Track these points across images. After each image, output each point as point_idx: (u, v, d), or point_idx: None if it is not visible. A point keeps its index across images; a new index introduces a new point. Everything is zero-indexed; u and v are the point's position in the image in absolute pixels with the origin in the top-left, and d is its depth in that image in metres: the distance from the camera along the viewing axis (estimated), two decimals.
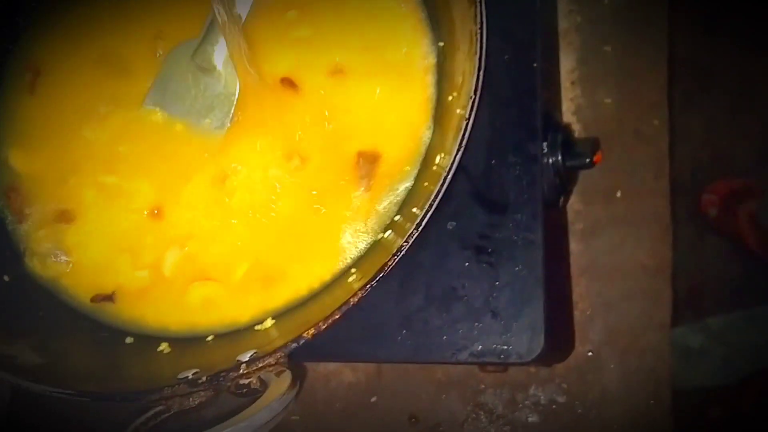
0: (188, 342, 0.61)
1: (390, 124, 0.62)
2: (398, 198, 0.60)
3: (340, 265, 0.59)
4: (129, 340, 0.62)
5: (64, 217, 0.64)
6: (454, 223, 0.66)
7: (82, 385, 0.53)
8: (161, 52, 0.67)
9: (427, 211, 0.49)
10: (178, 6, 0.67)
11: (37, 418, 0.80)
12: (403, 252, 0.48)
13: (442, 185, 0.49)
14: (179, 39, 0.66)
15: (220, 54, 0.64)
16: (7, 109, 0.69)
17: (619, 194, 0.80)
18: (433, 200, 0.49)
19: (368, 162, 0.61)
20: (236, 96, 0.63)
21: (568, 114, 0.82)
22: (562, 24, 0.84)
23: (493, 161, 0.67)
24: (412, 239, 0.48)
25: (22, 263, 0.65)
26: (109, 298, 0.63)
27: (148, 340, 0.62)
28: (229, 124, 0.64)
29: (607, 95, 0.82)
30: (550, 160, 0.68)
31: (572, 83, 0.83)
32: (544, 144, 0.68)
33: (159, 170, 0.64)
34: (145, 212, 0.63)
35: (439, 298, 0.65)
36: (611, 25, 0.84)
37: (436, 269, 0.65)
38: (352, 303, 0.47)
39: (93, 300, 0.63)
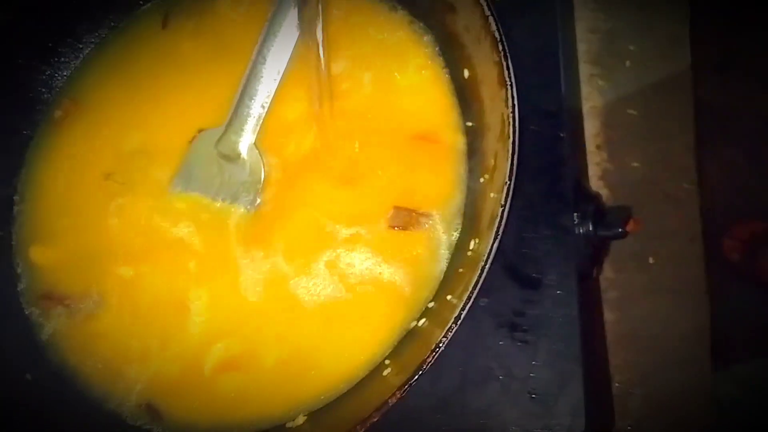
0: None
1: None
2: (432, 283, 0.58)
3: (377, 356, 0.57)
4: None
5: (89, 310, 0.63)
6: (487, 300, 0.64)
7: None
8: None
9: (466, 303, 0.47)
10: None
11: None
12: (442, 347, 0.46)
13: (481, 274, 0.47)
14: None
15: (244, 142, 0.64)
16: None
17: (651, 260, 0.78)
18: (472, 291, 0.47)
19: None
20: (262, 182, 0.63)
21: (594, 179, 0.81)
22: (585, 89, 0.83)
23: (524, 234, 0.65)
24: (452, 333, 0.46)
25: (46, 361, 0.64)
26: (153, 411, 0.61)
27: None
28: (256, 207, 0.63)
29: (634, 159, 0.81)
30: (582, 231, 0.67)
31: (597, 147, 0.82)
32: (575, 215, 0.66)
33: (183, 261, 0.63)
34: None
35: (475, 379, 0.63)
36: (635, 87, 0.83)
37: (470, 348, 0.63)
38: (390, 404, 0.45)
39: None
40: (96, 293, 0.63)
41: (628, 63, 0.83)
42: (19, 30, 0.67)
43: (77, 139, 0.69)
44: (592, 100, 0.83)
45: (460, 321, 0.47)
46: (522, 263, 0.65)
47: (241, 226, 0.62)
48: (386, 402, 0.45)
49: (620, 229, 0.68)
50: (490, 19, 0.52)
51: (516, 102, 0.50)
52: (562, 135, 0.67)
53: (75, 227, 0.66)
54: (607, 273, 0.78)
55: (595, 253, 0.70)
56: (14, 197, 0.69)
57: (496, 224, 0.48)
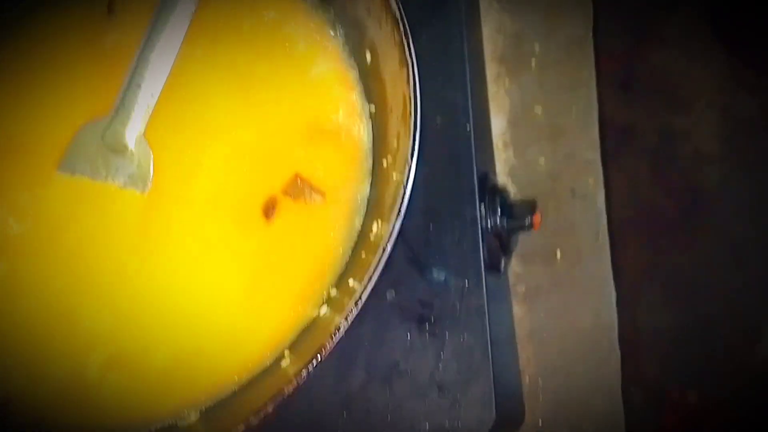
0: None
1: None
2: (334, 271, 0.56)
3: (275, 349, 0.54)
4: None
5: None
6: (393, 292, 0.63)
7: None
8: None
9: (367, 285, 0.45)
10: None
11: None
12: (341, 332, 0.44)
13: (382, 255, 0.45)
14: None
15: (132, 133, 0.60)
16: None
17: (559, 255, 0.78)
18: (373, 272, 0.45)
19: None
20: (151, 175, 0.59)
21: (502, 175, 0.81)
22: (491, 88, 0.84)
23: (431, 225, 0.64)
24: (352, 317, 0.44)
25: None
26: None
27: None
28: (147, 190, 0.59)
29: (540, 155, 0.81)
30: (489, 223, 0.66)
31: (504, 144, 0.82)
32: (481, 206, 0.66)
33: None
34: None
35: (381, 374, 0.61)
36: (539, 87, 0.84)
37: (376, 342, 0.62)
38: (286, 393, 0.42)
39: None
40: None
41: (533, 62, 0.84)
42: None
43: None
44: (498, 98, 0.84)
45: (360, 303, 0.45)
46: (428, 255, 0.64)
47: (132, 213, 0.59)
48: (281, 391, 0.43)
49: (526, 221, 0.68)
50: (392, 0, 0.51)
51: (417, 80, 0.49)
52: (468, 127, 0.67)
53: None
54: (516, 268, 0.78)
55: (503, 245, 0.70)
56: None
57: (398, 203, 0.46)
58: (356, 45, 0.59)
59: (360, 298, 0.45)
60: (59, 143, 0.61)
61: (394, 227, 0.46)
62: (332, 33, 0.61)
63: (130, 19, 0.63)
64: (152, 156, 0.59)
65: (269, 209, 0.57)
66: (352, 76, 0.60)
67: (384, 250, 0.46)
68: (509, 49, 0.86)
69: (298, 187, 0.58)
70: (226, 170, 0.59)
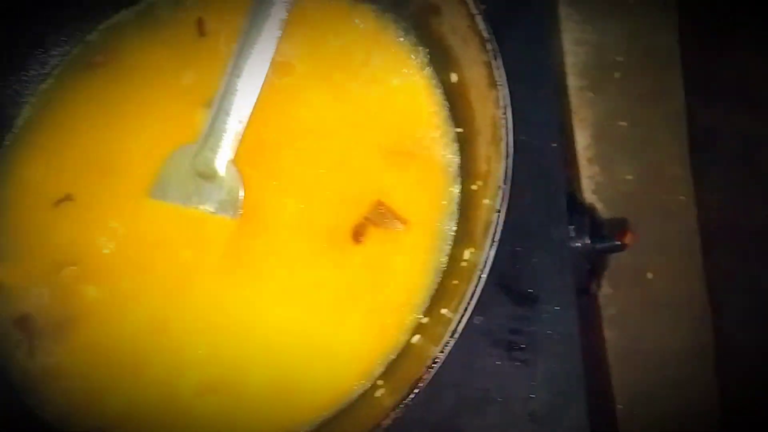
0: None
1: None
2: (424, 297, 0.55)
3: (368, 377, 0.53)
4: None
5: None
6: (481, 318, 0.61)
7: None
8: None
9: (463, 315, 0.44)
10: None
11: None
12: (439, 364, 0.43)
13: (477, 284, 0.44)
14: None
15: (221, 159, 0.60)
16: None
17: (650, 275, 0.75)
18: (468, 302, 0.44)
19: None
20: (241, 201, 0.59)
21: (587, 192, 0.79)
22: (574, 101, 0.82)
23: (518, 249, 0.62)
24: (449, 348, 0.43)
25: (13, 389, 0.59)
26: None
27: None
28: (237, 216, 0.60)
29: (626, 171, 0.78)
30: (579, 245, 0.64)
31: (589, 160, 0.80)
32: (571, 228, 0.64)
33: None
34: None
35: (471, 402, 0.59)
36: (624, 98, 0.81)
37: (465, 369, 0.60)
38: (384, 426, 0.41)
39: None
40: (60, 316, 0.59)
41: (617, 74, 0.82)
42: None
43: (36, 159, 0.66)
44: (581, 112, 0.81)
45: (456, 335, 0.44)
46: (516, 279, 0.62)
47: (223, 237, 0.59)
48: (379, 425, 0.41)
49: (617, 242, 0.65)
50: (477, 18, 0.50)
51: (508, 102, 0.47)
52: (553, 145, 0.65)
53: (36, 246, 0.62)
54: (605, 289, 0.75)
55: (593, 267, 0.67)
56: None
57: (492, 230, 0.45)
58: (441, 66, 0.58)
59: (456, 329, 0.43)
60: (150, 168, 0.62)
61: (489, 254, 0.44)
62: (416, 54, 0.60)
63: (223, 40, 0.64)
64: (242, 181, 0.59)
65: (358, 234, 0.56)
66: (436, 97, 0.58)
67: (480, 278, 0.44)
68: (591, 61, 0.83)
69: (381, 214, 0.57)
70: (315, 194, 0.58)
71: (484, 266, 0.44)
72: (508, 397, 0.59)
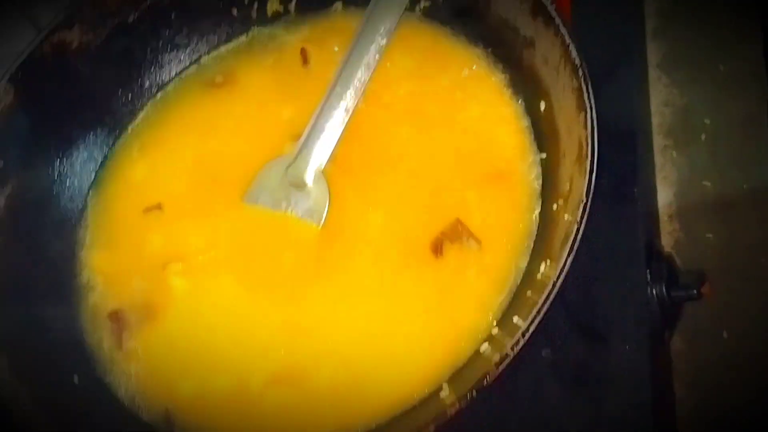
0: None
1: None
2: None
3: (436, 380, 0.54)
4: None
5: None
6: (549, 351, 0.61)
7: None
8: None
9: (533, 320, 0.44)
10: None
11: None
12: (505, 364, 0.43)
13: (551, 291, 0.45)
14: None
15: (311, 171, 0.64)
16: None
17: (725, 335, 0.73)
18: (540, 308, 0.45)
19: None
20: (326, 211, 0.63)
21: (667, 248, 0.78)
22: (658, 159, 0.82)
23: (592, 288, 0.63)
24: (518, 348, 0.44)
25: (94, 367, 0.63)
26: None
27: None
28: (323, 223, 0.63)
29: (708, 230, 0.78)
30: (654, 290, 0.64)
31: (670, 217, 0.79)
32: (648, 272, 0.63)
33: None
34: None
35: None
36: (709, 160, 0.81)
37: (531, 401, 0.60)
38: (449, 414, 0.42)
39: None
40: (148, 304, 0.63)
41: (703, 136, 0.82)
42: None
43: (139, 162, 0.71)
44: (665, 171, 0.82)
45: (527, 336, 0.44)
46: (588, 316, 0.62)
47: (308, 240, 0.62)
48: (444, 412, 0.42)
49: (695, 290, 0.65)
50: (571, 47, 0.53)
51: (595, 122, 0.49)
52: (635, 191, 0.66)
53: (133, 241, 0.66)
54: (676, 344, 0.73)
55: (666, 316, 0.66)
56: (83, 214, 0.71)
57: (570, 241, 0.46)
58: (530, 96, 0.61)
59: (528, 330, 0.44)
60: (248, 176, 0.66)
61: (565, 264, 0.45)
62: (507, 85, 0.63)
63: (323, 70, 0.69)
64: (329, 193, 0.63)
65: (438, 247, 0.58)
66: (524, 124, 0.61)
67: (554, 285, 0.45)
68: (677, 123, 0.84)
69: (457, 232, 0.59)
70: (398, 208, 0.61)
71: (560, 274, 0.45)
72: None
